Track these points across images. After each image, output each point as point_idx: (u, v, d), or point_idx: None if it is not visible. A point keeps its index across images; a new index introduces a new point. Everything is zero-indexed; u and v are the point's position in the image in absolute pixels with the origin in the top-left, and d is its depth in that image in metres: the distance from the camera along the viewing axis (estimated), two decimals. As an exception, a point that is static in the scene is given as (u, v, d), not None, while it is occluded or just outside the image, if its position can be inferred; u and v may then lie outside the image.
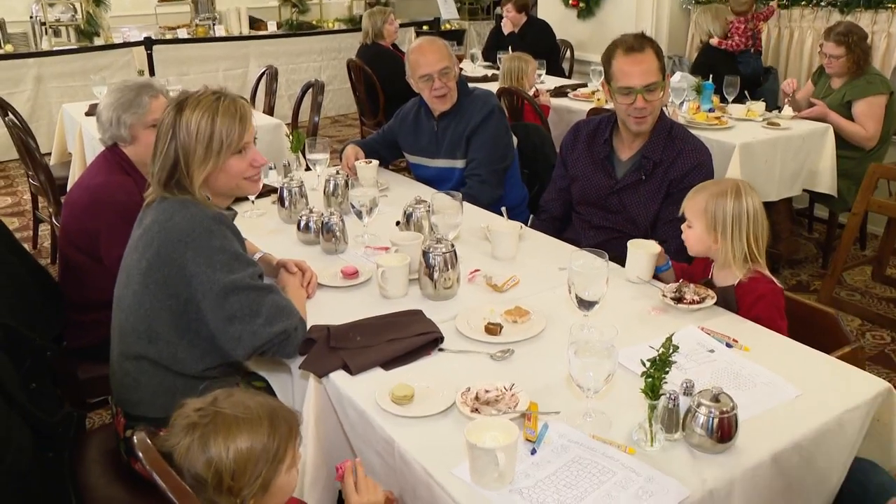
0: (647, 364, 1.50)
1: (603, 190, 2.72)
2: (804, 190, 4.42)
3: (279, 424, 1.34)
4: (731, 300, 2.07)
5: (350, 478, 1.44)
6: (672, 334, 1.52)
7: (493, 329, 1.93)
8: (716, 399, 1.51)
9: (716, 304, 2.06)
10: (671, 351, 1.47)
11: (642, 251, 2.22)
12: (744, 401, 1.62)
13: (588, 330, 1.89)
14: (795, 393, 1.70)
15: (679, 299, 2.08)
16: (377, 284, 2.16)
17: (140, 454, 1.36)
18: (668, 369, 1.49)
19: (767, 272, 2.08)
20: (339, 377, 1.77)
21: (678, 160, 2.62)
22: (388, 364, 1.80)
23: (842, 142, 4.34)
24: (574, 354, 1.54)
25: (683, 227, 2.14)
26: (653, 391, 1.49)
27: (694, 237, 2.12)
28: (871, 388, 1.72)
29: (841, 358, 1.92)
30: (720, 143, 3.86)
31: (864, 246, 5.00)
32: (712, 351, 1.88)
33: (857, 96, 4.36)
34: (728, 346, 1.90)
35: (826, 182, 4.32)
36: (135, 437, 1.40)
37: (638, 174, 2.66)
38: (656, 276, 2.24)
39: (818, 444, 1.60)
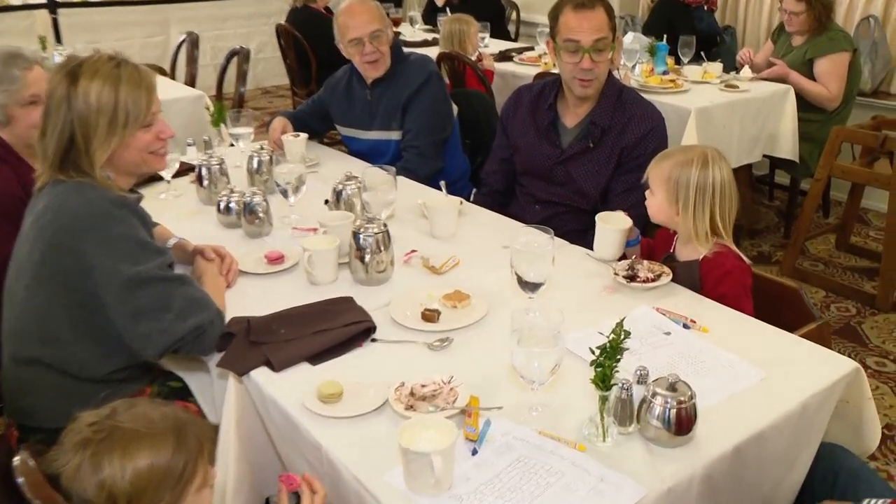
0: (597, 352, 1.44)
1: (548, 160, 2.67)
2: (764, 156, 4.43)
3: (187, 439, 1.24)
4: (695, 276, 2.04)
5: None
6: (623, 319, 1.46)
7: (430, 316, 1.88)
8: (672, 388, 1.47)
9: (679, 280, 2.04)
10: (622, 337, 1.42)
11: (612, 226, 2.18)
12: (703, 387, 1.59)
13: (532, 314, 1.83)
14: (759, 376, 1.67)
15: (632, 277, 2.05)
16: (304, 270, 2.09)
17: (20, 478, 1.26)
18: (619, 357, 1.44)
19: (734, 247, 2.05)
20: (261, 375, 1.70)
21: (629, 126, 2.58)
22: (314, 358, 1.74)
23: (803, 104, 4.35)
24: (517, 343, 1.48)
25: (647, 193, 2.11)
26: (603, 381, 1.44)
27: (655, 206, 2.09)
28: (838, 369, 1.70)
29: (806, 336, 1.91)
30: (675, 108, 3.84)
31: (828, 213, 5.05)
32: (668, 333, 1.84)
33: (819, 54, 4.37)
34: (685, 327, 1.87)
35: (787, 147, 4.34)
36: (16, 458, 1.30)
37: (585, 142, 2.61)
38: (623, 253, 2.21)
39: (783, 430, 1.57)
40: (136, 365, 1.87)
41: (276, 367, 1.70)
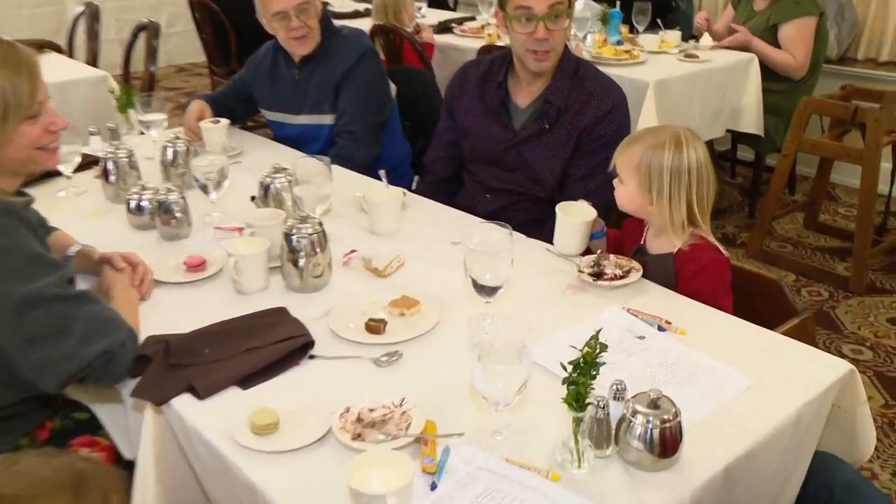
0: (569, 368, 1.36)
1: (499, 144, 2.63)
2: (727, 130, 4.42)
3: (88, 494, 1.12)
4: (668, 271, 2.01)
5: None
6: (599, 330, 1.39)
7: (375, 326, 1.81)
8: (654, 404, 1.40)
9: (650, 275, 2.01)
10: (598, 350, 1.34)
11: (574, 218, 2.14)
12: (685, 399, 1.53)
13: (491, 321, 1.78)
14: (746, 384, 1.63)
15: (598, 275, 2.01)
16: (230, 277, 2.00)
17: None
18: (595, 373, 1.36)
19: (712, 238, 2.02)
20: (184, 403, 1.60)
21: (588, 105, 2.54)
22: (245, 381, 1.65)
23: (768, 73, 4.36)
24: (478, 361, 1.40)
25: (615, 181, 2.07)
26: (577, 401, 1.38)
27: (625, 195, 2.05)
28: (831, 372, 1.67)
29: (788, 332, 1.89)
30: (632, 81, 3.79)
31: (794, 190, 5.09)
32: (642, 337, 1.80)
33: (783, 19, 4.37)
34: (660, 329, 1.83)
35: (751, 120, 4.35)
36: None
37: (540, 123, 2.57)
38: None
39: (776, 445, 1.53)
40: (31, 398, 1.74)
41: (200, 393, 1.61)
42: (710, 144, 4.51)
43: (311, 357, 1.73)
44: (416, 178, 3.19)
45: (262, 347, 1.72)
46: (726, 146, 5.16)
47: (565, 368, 1.39)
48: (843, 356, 2.05)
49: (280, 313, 1.86)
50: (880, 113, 3.74)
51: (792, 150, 4.06)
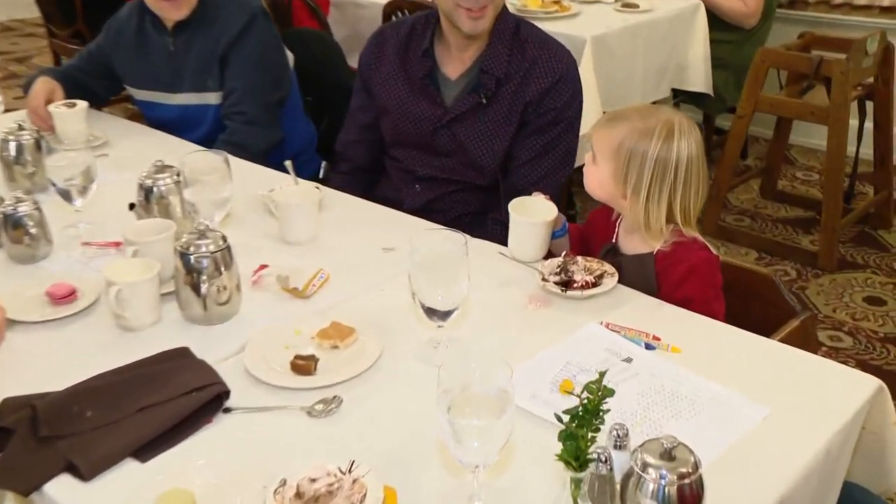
0: (566, 419, 1.26)
1: (427, 124, 2.59)
2: (672, 89, 4.42)
3: None
4: (648, 274, 1.98)
5: None
6: (604, 372, 1.28)
7: (304, 366, 1.71)
8: (669, 455, 1.29)
9: (627, 280, 1.98)
10: (602, 396, 1.23)
11: (532, 218, 2.10)
12: (692, 437, 1.43)
13: (442, 346, 1.74)
14: (761, 413, 1.57)
15: (566, 283, 1.95)
16: (110, 311, 1.87)
17: None
18: (599, 423, 1.27)
19: (698, 234, 1.99)
20: (62, 489, 1.46)
21: (532, 73, 2.48)
22: (144, 451, 1.52)
23: (715, 22, 4.39)
24: (447, 412, 1.29)
25: (587, 157, 2.03)
26: (577, 459, 1.27)
27: (596, 180, 2.01)
28: (858, 391, 1.63)
29: (789, 337, 1.90)
30: (566, 38, 3.65)
31: (745, 154, 5.11)
32: (629, 360, 1.74)
33: (729, -41, 4.38)
34: (648, 347, 1.78)
35: (698, 77, 4.37)
36: None
37: (475, 97, 2.52)
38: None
39: (805, 487, 1.47)
40: None
41: (84, 473, 1.46)
42: (652, 106, 4.50)
43: (227, 410, 1.62)
44: (324, 164, 3.14)
45: (163, 404, 1.60)
46: (668, 105, 5.14)
47: (560, 420, 1.28)
48: (820, 345, 2.03)
49: (181, 356, 1.74)
50: (847, 65, 3.76)
51: (748, 110, 4.07)
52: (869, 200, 4.47)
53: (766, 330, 1.89)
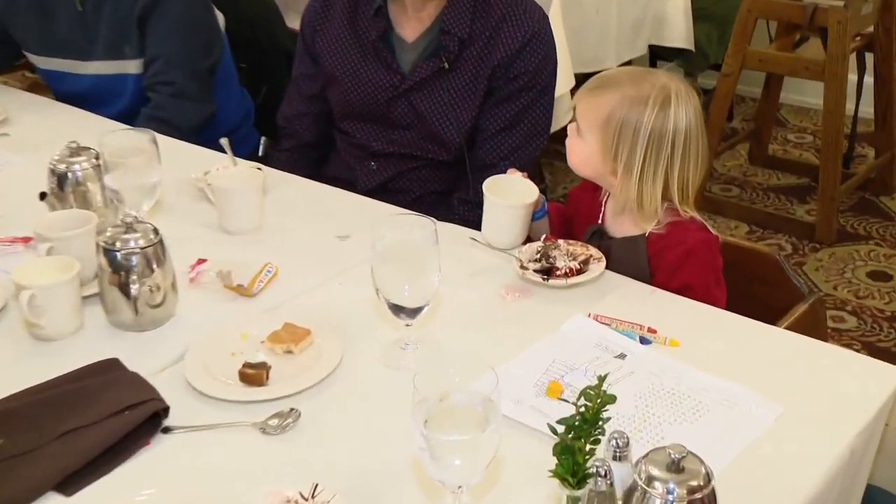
0: (561, 430, 1.26)
1: (382, 92, 2.58)
2: (649, 46, 4.43)
3: None
4: (640, 258, 1.99)
5: None
6: (605, 375, 1.27)
7: (254, 375, 1.68)
8: (677, 467, 1.28)
9: (616, 265, 1.99)
10: (602, 403, 1.22)
11: (510, 200, 2.09)
12: (697, 442, 1.44)
13: (410, 348, 1.75)
14: (775, 412, 1.58)
15: (547, 271, 1.94)
16: (22, 319, 1.84)
17: None
18: (598, 433, 1.26)
19: (695, 213, 2.00)
20: None
21: (500, 34, 2.47)
22: (69, 484, 1.49)
23: (696, -32, 4.36)
24: (424, 427, 1.27)
25: (570, 128, 2.03)
26: (574, 475, 1.26)
27: (580, 154, 2.01)
28: (880, 384, 1.64)
29: (797, 323, 1.93)
30: (531, -10, 3.70)
31: (731, 116, 5.14)
32: (622, 356, 1.75)
33: None
34: (643, 341, 1.79)
35: (679, 32, 4.38)
36: None
37: (435, 62, 2.51)
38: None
39: (827, 494, 1.47)
40: None
41: None
42: (627, 66, 4.48)
43: (166, 430, 1.60)
44: (263, 140, 3.15)
45: (90, 426, 1.57)
46: (644, 64, 5.14)
47: (555, 432, 1.27)
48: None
49: (109, 369, 1.72)
50: (845, 13, 3.78)
51: (735, 66, 4.09)
52: (870, 164, 4.51)
53: (770, 316, 1.90)
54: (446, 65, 2.49)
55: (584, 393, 1.26)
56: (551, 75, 2.51)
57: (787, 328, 1.88)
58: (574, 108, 2.01)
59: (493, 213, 2.09)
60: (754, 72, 4.45)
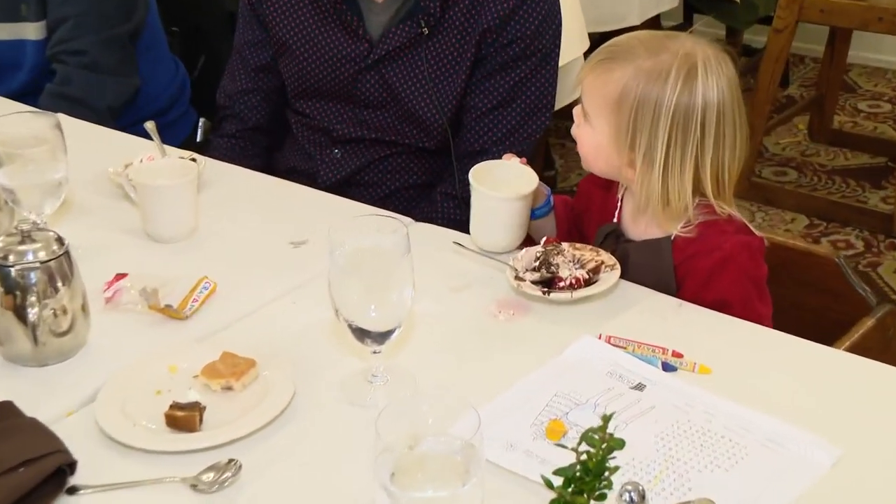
0: (558, 483, 1.28)
1: (346, 65, 2.62)
2: (681, -3, 4.45)
3: None
4: (664, 267, 2.01)
5: None
6: (611, 415, 1.29)
7: (183, 418, 1.69)
8: (706, 527, 1.30)
9: (634, 273, 2.01)
10: (608, 450, 1.23)
11: (503, 192, 2.11)
12: (738, 496, 1.50)
13: (380, 381, 1.76)
14: (832, 456, 1.58)
15: (549, 282, 1.97)
16: None
17: None
18: (605, 485, 1.28)
19: (734, 210, 2.00)
20: None
21: None
22: None
23: None
24: (390, 482, 1.29)
25: (575, 113, 2.05)
26: None
27: (591, 146, 2.03)
28: None
29: (862, 343, 1.93)
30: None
31: (787, 81, 5.15)
32: (641, 387, 1.76)
33: None
34: (667, 367, 1.81)
35: None
36: None
37: (412, 26, 2.55)
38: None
39: None
40: None
41: None
42: (653, 22, 4.51)
43: (73, 491, 1.59)
44: (202, 122, 3.17)
45: None
46: (678, 20, 5.19)
47: (550, 485, 1.28)
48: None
49: (4, 414, 1.71)
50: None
51: (790, 19, 4.09)
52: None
53: (829, 334, 1.91)
54: (425, 29, 2.50)
55: (585, 437, 1.28)
56: (554, 39, 2.52)
57: (849, 349, 1.89)
58: (580, 88, 2.02)
59: (482, 208, 2.10)
60: (816, 26, 4.46)
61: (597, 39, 3.39)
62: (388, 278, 1.68)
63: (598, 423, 1.62)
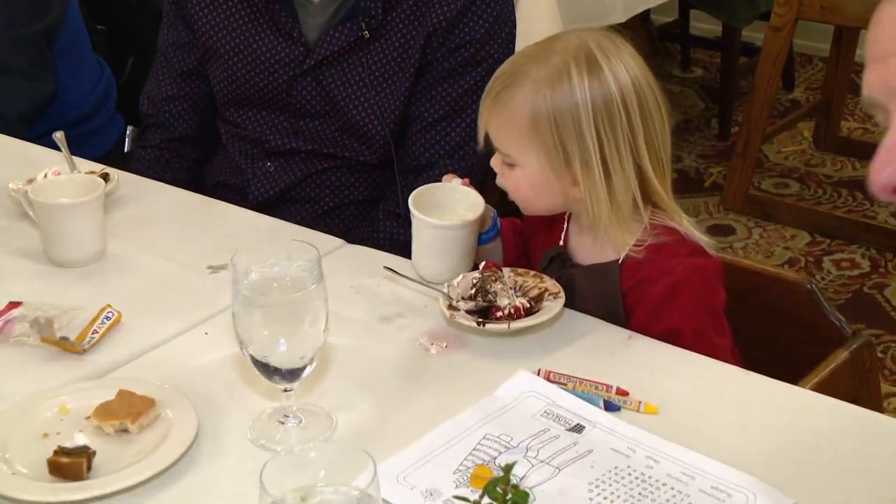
0: None
1: (279, 70, 2.63)
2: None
3: None
4: (610, 294, 2.02)
5: None
6: (511, 465, 1.27)
7: (68, 465, 1.66)
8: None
9: (580, 301, 2.03)
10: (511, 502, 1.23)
11: (445, 219, 2.13)
12: None
13: (292, 423, 1.76)
14: None
15: (485, 311, 1.96)
16: None
17: None
18: None
19: (686, 223, 2.01)
20: None
21: None
22: None
23: None
24: None
25: (496, 166, 2.07)
26: None
27: (525, 185, 2.03)
28: None
29: (832, 380, 1.93)
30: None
31: (791, 84, 5.14)
32: (579, 428, 1.75)
33: None
34: (609, 407, 1.80)
35: None
36: None
37: (352, 28, 2.56)
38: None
39: None
40: None
41: None
42: (645, 20, 4.51)
43: None
44: (130, 129, 3.16)
45: None
46: (672, 15, 5.19)
47: None
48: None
49: None
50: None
51: (789, 18, 4.10)
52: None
53: (802, 370, 1.91)
54: (366, 33, 2.51)
55: (487, 490, 1.28)
56: (506, 44, 2.53)
57: (818, 386, 1.88)
58: (488, 132, 2.04)
59: (423, 236, 2.11)
60: (819, 24, 4.47)
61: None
62: (299, 309, 1.67)
63: (530, 466, 1.65)
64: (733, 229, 4.30)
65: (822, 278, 3.94)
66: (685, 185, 4.50)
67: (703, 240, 2.01)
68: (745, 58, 5.10)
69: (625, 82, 1.95)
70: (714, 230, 4.30)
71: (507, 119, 1.99)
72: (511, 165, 2.02)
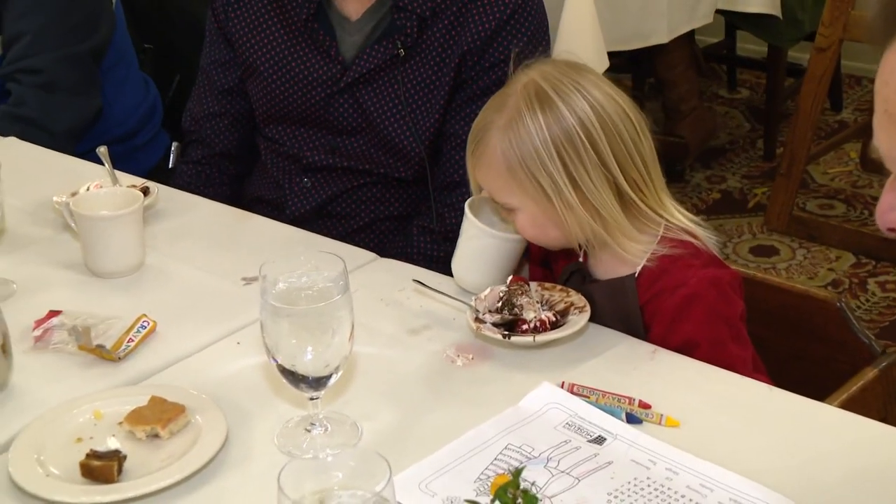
0: None
1: (317, 88, 2.64)
2: (718, 12, 4.44)
3: None
4: (629, 308, 2.01)
5: None
6: (521, 469, 1.29)
7: (99, 468, 1.68)
8: None
9: (600, 315, 2.01)
10: None
11: (506, 231, 2.12)
12: None
13: (325, 430, 1.76)
14: None
15: (512, 324, 1.97)
16: None
17: None
18: None
19: (700, 233, 2.01)
20: None
21: (470, 9, 2.53)
22: None
23: None
24: None
25: (501, 213, 2.12)
26: None
27: (531, 224, 2.05)
28: None
29: (860, 397, 1.92)
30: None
31: (840, 104, 5.13)
32: (600, 440, 1.75)
33: None
34: (632, 419, 1.80)
35: None
36: None
37: (388, 47, 2.57)
38: None
39: None
40: None
41: None
42: (690, 40, 4.51)
43: None
44: (175, 146, 3.17)
45: None
46: (718, 36, 5.18)
47: None
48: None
49: None
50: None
51: (834, 38, 4.07)
52: None
53: (829, 387, 1.90)
54: (402, 51, 2.52)
55: (498, 495, 1.29)
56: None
57: (846, 403, 1.88)
58: (479, 185, 2.09)
59: (474, 245, 2.11)
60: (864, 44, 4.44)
61: (620, 62, 3.38)
62: (325, 318, 1.67)
63: (549, 477, 1.66)
64: (777, 250, 4.30)
65: (867, 300, 3.92)
66: (729, 206, 4.49)
67: (712, 240, 2.01)
68: (791, 79, 5.08)
69: (582, 109, 1.96)
70: (757, 251, 4.31)
71: (487, 171, 2.03)
72: (511, 210, 2.04)
